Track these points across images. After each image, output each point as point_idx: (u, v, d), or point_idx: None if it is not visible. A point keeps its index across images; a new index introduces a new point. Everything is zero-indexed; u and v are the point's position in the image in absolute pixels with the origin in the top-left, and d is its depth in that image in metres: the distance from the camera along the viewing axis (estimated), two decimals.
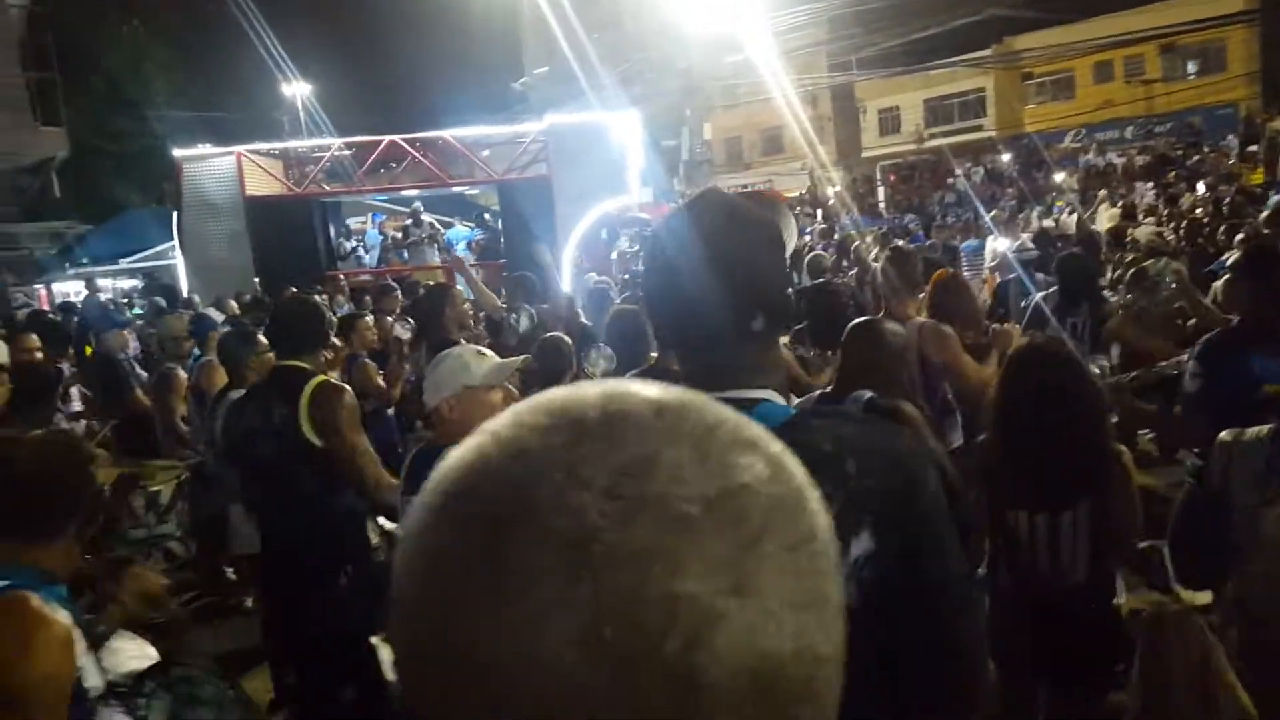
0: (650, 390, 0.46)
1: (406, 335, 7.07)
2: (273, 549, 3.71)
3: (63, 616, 1.79)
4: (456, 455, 0.46)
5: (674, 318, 1.31)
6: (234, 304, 9.93)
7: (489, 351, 2.92)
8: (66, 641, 1.76)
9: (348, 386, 3.67)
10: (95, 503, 2.02)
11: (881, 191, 29.42)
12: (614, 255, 13.84)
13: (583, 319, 7.07)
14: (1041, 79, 33.98)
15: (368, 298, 9.95)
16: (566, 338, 4.93)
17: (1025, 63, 30.87)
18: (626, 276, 11.46)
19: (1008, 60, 31.24)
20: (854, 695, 1.15)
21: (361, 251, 15.84)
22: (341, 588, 3.39)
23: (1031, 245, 9.91)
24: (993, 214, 13.79)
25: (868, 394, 2.76)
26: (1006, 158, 27.87)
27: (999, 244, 10.21)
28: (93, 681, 1.86)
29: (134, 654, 2.36)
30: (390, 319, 7.53)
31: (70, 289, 19.52)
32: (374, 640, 2.54)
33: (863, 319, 3.21)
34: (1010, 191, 22.20)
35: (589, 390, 0.46)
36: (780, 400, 1.27)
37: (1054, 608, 2.50)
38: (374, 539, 3.56)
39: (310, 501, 3.41)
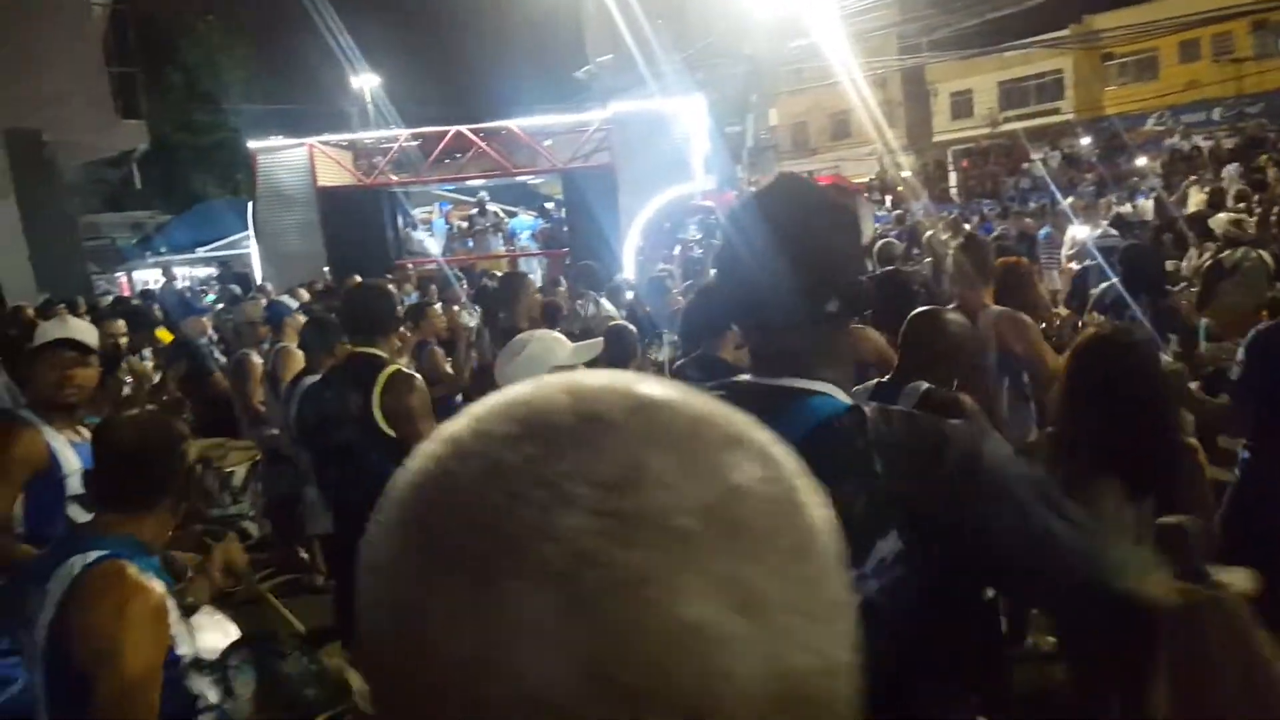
0: (621, 384, 0.42)
1: (473, 323, 7.20)
2: (345, 531, 3.81)
3: (157, 586, 1.86)
4: (417, 472, 0.42)
5: (747, 299, 1.31)
6: (304, 292, 10.17)
7: (563, 336, 2.98)
8: (160, 609, 1.84)
9: (419, 376, 3.75)
10: (188, 480, 2.09)
11: (953, 177, 28.78)
12: (676, 250, 13.78)
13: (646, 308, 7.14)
14: (1123, 59, 32.73)
15: (433, 286, 10.11)
16: (631, 326, 4.97)
17: (1106, 42, 29.69)
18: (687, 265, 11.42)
19: (1087, 40, 30.11)
20: (876, 691, 1.15)
21: (428, 241, 16.09)
22: None
23: (1114, 232, 9.60)
24: (1070, 200, 13.35)
25: (925, 385, 2.73)
26: (1086, 141, 26.99)
27: (1078, 231, 9.89)
28: (185, 649, 1.94)
29: (216, 629, 2.49)
30: (456, 307, 7.67)
31: (149, 277, 20.25)
32: (340, 662, 2.52)
33: (925, 308, 3.14)
34: (1089, 177, 21.51)
35: (554, 389, 0.42)
36: (840, 395, 1.26)
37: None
38: None
39: (382, 485, 3.44)
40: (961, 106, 35.92)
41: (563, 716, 0.35)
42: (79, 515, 2.83)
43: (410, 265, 14.27)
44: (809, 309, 1.24)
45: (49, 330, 3.15)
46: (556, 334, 3.02)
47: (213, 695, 2.05)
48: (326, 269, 12.95)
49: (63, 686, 1.80)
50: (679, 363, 4.31)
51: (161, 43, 26.06)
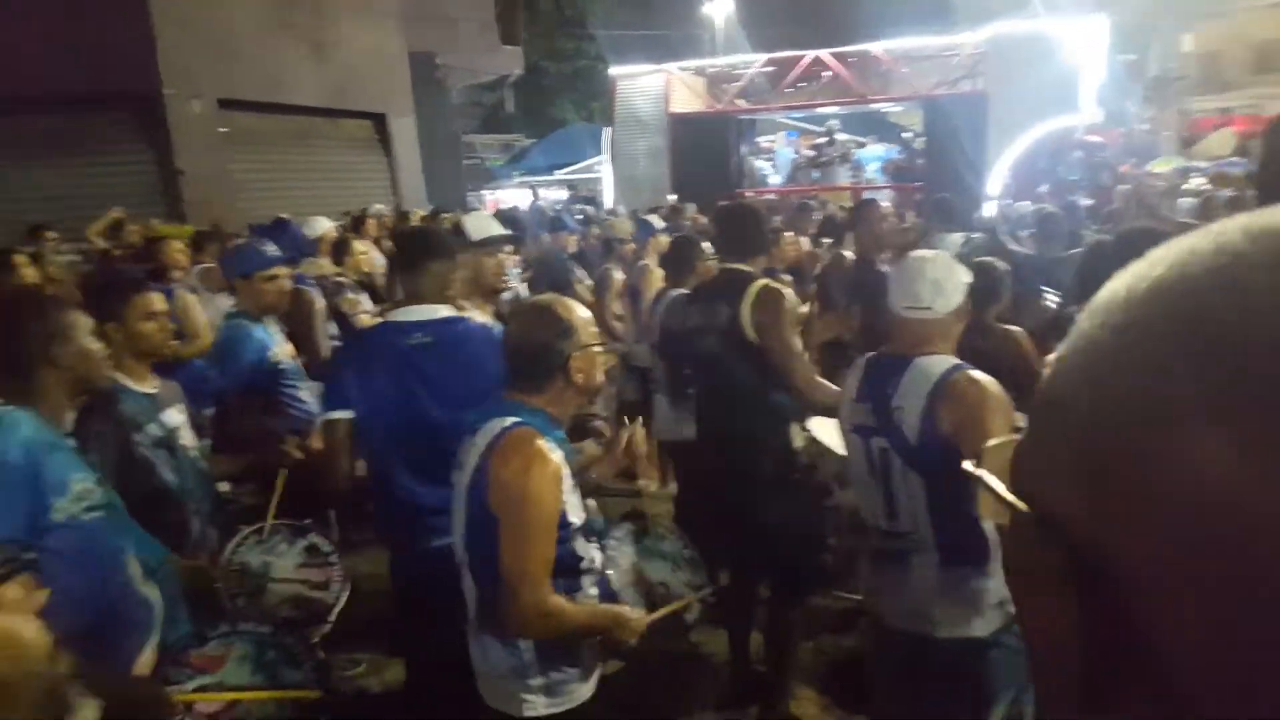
0: None
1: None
2: (704, 438, 3.91)
3: (558, 456, 2.09)
4: (1169, 282, 0.36)
5: None
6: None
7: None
8: (558, 475, 2.07)
9: (788, 291, 3.70)
10: (591, 363, 2.24)
11: None
12: (1043, 189, 12.38)
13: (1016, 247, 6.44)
14: None
15: (776, 218, 9.89)
16: (998, 262, 4.50)
17: None
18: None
19: None
20: None
21: (770, 170, 15.87)
22: (759, 482, 3.48)
23: None
24: None
25: None
26: None
27: None
28: (575, 517, 2.15)
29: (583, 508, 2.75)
30: (805, 238, 7.43)
31: (512, 196, 22.01)
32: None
33: None
34: None
35: None
36: None
37: None
38: (799, 442, 3.60)
39: (742, 396, 3.56)
40: None
41: None
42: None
43: (749, 194, 14.17)
44: None
45: (484, 226, 3.47)
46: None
47: (597, 560, 2.29)
48: (672, 196, 13.21)
49: (478, 520, 2.10)
50: (1069, 309, 3.97)
51: None
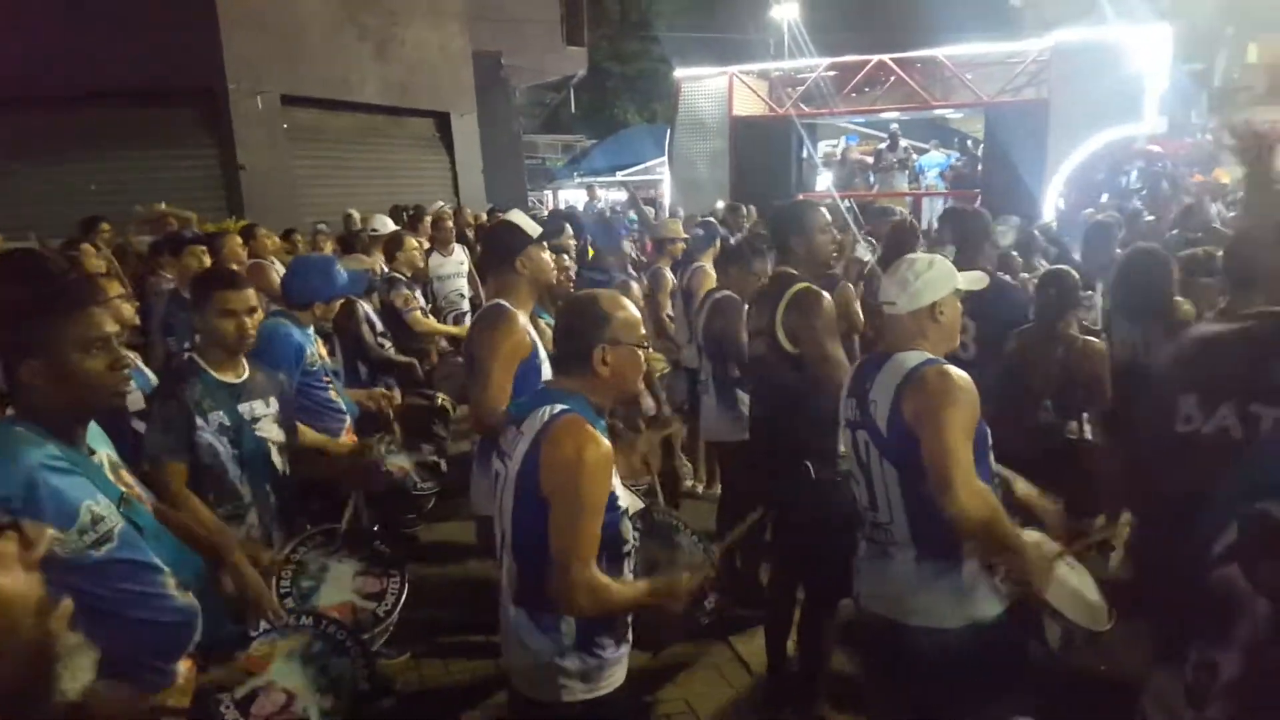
0: None
1: (868, 257, 6.89)
2: (753, 437, 3.92)
3: (606, 440, 2.13)
4: None
5: None
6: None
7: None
8: (609, 460, 2.11)
9: (828, 295, 3.61)
10: (623, 360, 2.22)
11: None
12: (1104, 198, 12.14)
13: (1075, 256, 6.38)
14: None
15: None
16: (1072, 271, 4.49)
17: None
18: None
19: None
20: None
21: (828, 175, 15.74)
22: (798, 483, 3.42)
23: None
24: None
25: None
26: None
27: None
28: (623, 502, 2.19)
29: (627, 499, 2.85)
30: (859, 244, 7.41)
31: (572, 196, 22.15)
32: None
33: None
34: None
35: None
36: None
37: None
38: (843, 448, 3.48)
39: (784, 398, 3.53)
40: None
41: None
42: None
43: (804, 198, 14.10)
44: None
45: (531, 223, 3.34)
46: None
47: (635, 542, 2.31)
48: (720, 203, 13.20)
49: (527, 505, 2.12)
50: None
51: None
